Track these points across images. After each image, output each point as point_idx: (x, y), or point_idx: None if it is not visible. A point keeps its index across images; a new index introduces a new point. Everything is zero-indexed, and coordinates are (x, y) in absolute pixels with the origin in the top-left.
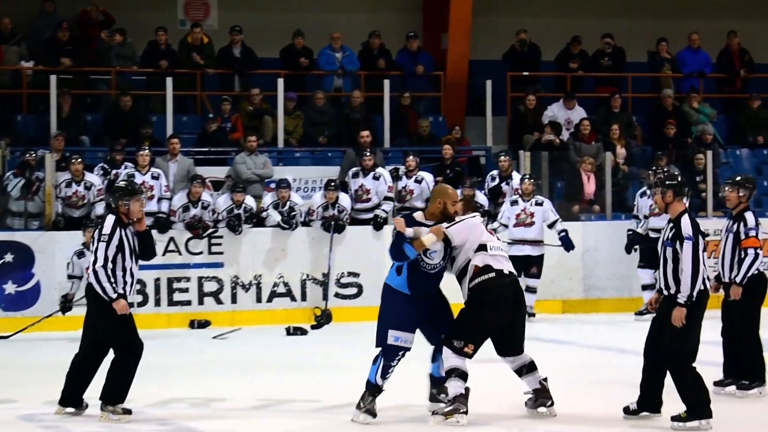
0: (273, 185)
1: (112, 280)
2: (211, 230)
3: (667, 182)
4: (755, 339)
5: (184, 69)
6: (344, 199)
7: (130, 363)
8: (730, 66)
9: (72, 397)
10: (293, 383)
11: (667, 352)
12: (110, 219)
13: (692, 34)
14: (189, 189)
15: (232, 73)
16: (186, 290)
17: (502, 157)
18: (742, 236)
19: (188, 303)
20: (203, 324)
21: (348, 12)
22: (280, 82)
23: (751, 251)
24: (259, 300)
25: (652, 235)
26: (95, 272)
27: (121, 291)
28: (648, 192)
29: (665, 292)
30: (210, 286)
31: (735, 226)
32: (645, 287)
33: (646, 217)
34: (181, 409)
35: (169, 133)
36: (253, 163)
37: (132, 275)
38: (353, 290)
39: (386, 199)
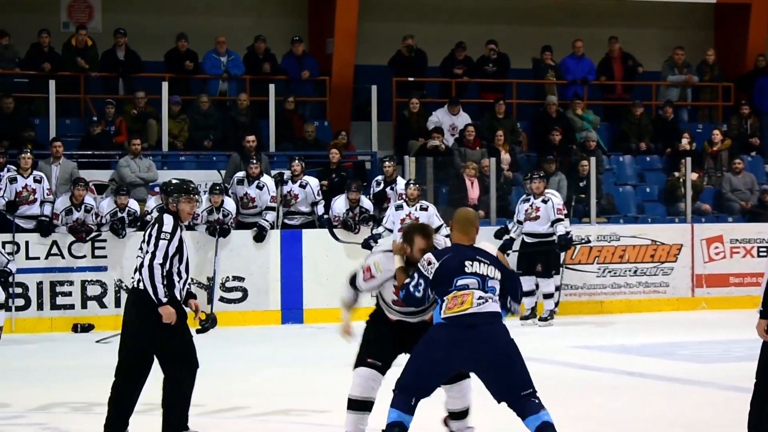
0: (157, 189)
1: (166, 282)
2: (94, 234)
3: None
4: None
5: (67, 72)
6: (229, 204)
7: (186, 380)
8: (611, 72)
9: (120, 425)
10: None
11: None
12: (169, 218)
13: (576, 41)
14: (71, 192)
15: (116, 76)
16: (69, 294)
17: (387, 163)
18: None
19: (71, 307)
20: (86, 328)
21: (233, 16)
22: (165, 85)
23: None
24: None
25: (527, 240)
26: (151, 269)
27: (172, 296)
28: (528, 198)
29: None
30: (93, 290)
31: None
32: (527, 294)
33: (520, 222)
34: (63, 413)
35: (52, 136)
36: (137, 167)
37: (184, 284)
38: (238, 294)
39: (269, 209)
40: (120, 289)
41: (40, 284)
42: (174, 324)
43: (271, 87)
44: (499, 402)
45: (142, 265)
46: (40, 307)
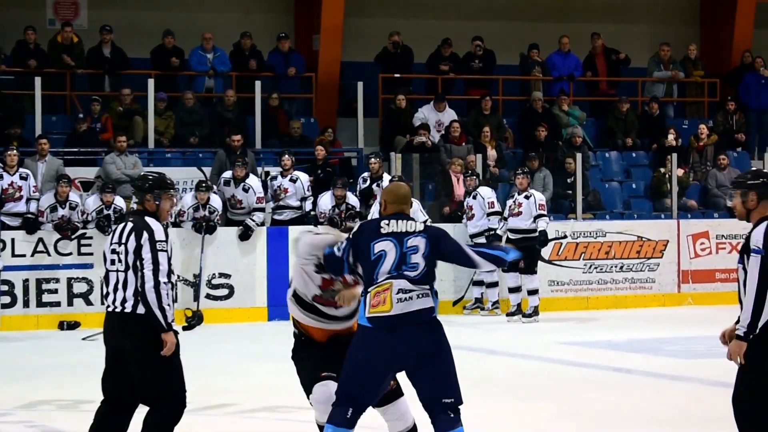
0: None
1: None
2: (80, 231)
3: (749, 183)
4: None
5: (53, 69)
6: (215, 200)
7: (169, 424)
8: (596, 68)
9: None
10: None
11: (734, 401)
12: (156, 223)
13: (562, 37)
14: (56, 189)
15: (102, 73)
16: (55, 291)
17: (373, 159)
18: None
19: (57, 304)
20: (73, 325)
21: (219, 12)
22: (151, 82)
23: None
24: None
25: (511, 236)
26: (157, 291)
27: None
28: (515, 194)
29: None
30: (80, 287)
31: None
32: (511, 290)
33: (505, 219)
34: (49, 410)
35: (38, 133)
36: (123, 164)
37: (172, 299)
38: (225, 291)
39: (257, 209)
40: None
41: (26, 282)
42: (171, 355)
43: (258, 84)
44: (426, 410)
45: (143, 286)
46: (26, 304)
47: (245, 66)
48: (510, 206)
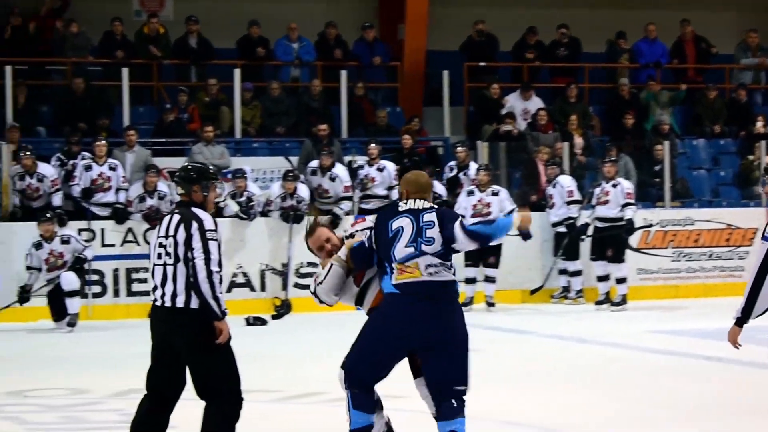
0: (230, 176)
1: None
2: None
3: None
4: None
5: (140, 60)
6: (302, 190)
7: (229, 418)
8: (684, 55)
9: None
10: (254, 373)
11: None
12: (205, 213)
13: (649, 24)
14: (144, 179)
15: (188, 63)
16: (145, 280)
17: (459, 148)
18: None
19: (147, 293)
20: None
21: (304, 2)
22: (237, 72)
23: None
24: None
25: (598, 225)
26: (211, 281)
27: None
28: (603, 182)
29: None
30: None
31: None
32: (600, 278)
33: (593, 207)
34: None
35: (126, 124)
36: (210, 154)
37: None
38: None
39: (343, 198)
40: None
41: (116, 271)
42: (225, 348)
43: (343, 73)
44: (430, 393)
45: (195, 276)
46: (116, 293)
47: (330, 55)
48: (597, 194)
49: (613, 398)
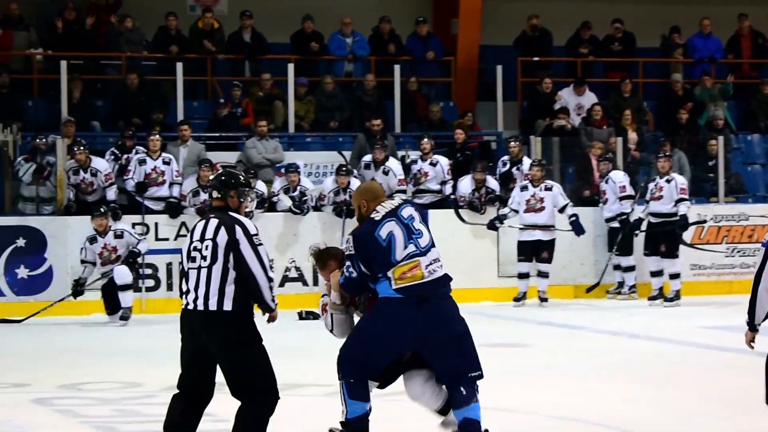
0: (283, 170)
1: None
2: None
3: None
4: None
5: (194, 54)
6: (355, 184)
7: (263, 417)
8: (739, 50)
9: None
10: (306, 367)
11: None
12: (246, 219)
13: (703, 19)
14: (198, 174)
15: (242, 58)
16: None
17: (512, 143)
18: None
19: None
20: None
21: None
22: (291, 67)
23: None
24: None
25: (652, 220)
26: (270, 287)
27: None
28: (656, 177)
29: None
30: None
31: None
32: (654, 273)
33: (646, 202)
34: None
35: (180, 119)
36: (264, 148)
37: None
38: None
39: (397, 192)
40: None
41: (169, 265)
42: (260, 348)
43: (396, 68)
44: (444, 384)
45: (257, 287)
46: (169, 287)
47: (384, 50)
48: (651, 190)
49: (665, 393)
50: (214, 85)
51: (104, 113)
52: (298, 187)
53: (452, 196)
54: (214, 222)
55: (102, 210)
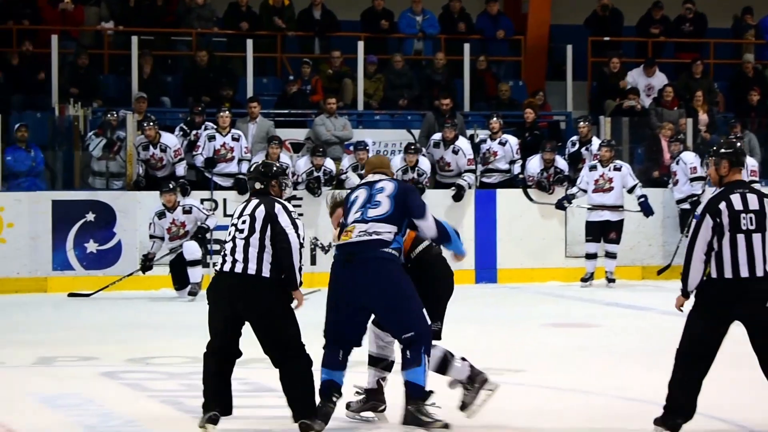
0: (352, 148)
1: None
2: (290, 193)
3: (722, 151)
4: None
5: (264, 31)
6: (424, 163)
7: (310, 373)
8: None
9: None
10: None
11: None
12: (285, 201)
13: None
14: (267, 151)
15: (312, 35)
16: None
17: (582, 123)
18: None
19: None
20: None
21: None
22: (360, 44)
23: None
24: None
25: None
26: (299, 252)
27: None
28: None
29: None
30: None
31: None
32: None
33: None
34: (261, 368)
35: (249, 95)
36: (333, 126)
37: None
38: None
39: (466, 171)
40: (315, 247)
41: None
42: (293, 313)
43: (466, 46)
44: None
45: (287, 247)
46: None
47: (454, 29)
48: None
49: (730, 375)
50: (283, 62)
51: (174, 89)
52: None
53: (521, 176)
54: (255, 201)
55: (171, 186)
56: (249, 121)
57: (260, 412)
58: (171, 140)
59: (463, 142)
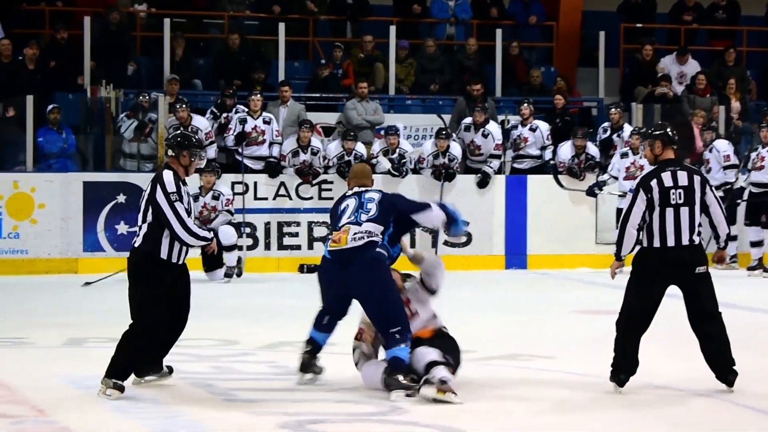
0: (383, 132)
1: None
2: (321, 177)
3: (655, 133)
4: None
5: (296, 15)
6: (455, 148)
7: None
8: None
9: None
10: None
11: None
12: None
13: None
14: (298, 134)
15: (344, 19)
16: (296, 235)
17: (613, 109)
18: None
19: (298, 247)
20: (312, 269)
21: None
22: (392, 29)
23: None
24: None
25: (753, 190)
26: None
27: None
28: (759, 147)
29: None
30: (320, 231)
31: None
32: (753, 244)
33: (748, 171)
34: (290, 352)
35: (281, 79)
36: (364, 110)
37: None
38: (462, 239)
39: (493, 156)
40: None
41: (267, 224)
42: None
43: (498, 32)
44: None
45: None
46: (267, 246)
47: (486, 14)
48: (753, 160)
49: (763, 363)
50: (315, 46)
51: (206, 72)
52: (398, 150)
53: (551, 162)
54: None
55: (212, 166)
56: (280, 105)
57: (288, 395)
58: (202, 122)
59: (493, 126)
